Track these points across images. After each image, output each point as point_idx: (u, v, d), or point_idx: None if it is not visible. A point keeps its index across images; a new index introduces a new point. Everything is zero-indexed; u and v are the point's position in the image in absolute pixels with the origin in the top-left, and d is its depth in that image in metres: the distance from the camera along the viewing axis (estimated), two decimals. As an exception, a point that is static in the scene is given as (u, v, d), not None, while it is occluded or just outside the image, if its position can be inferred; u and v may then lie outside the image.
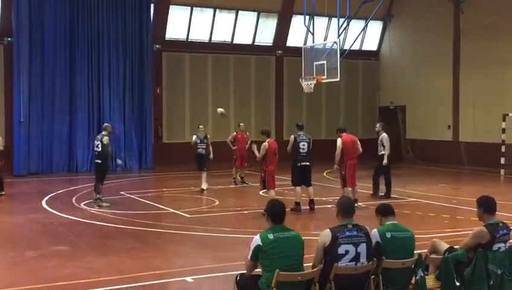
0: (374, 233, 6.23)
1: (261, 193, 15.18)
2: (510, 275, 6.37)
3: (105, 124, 15.40)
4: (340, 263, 5.90)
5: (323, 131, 27.17)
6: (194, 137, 17.41)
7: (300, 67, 19.43)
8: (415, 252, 6.43)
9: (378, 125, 16.50)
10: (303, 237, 6.07)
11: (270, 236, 5.83)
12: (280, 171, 14.51)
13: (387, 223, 6.43)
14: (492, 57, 23.28)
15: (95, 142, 14.73)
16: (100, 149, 14.40)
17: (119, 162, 14.68)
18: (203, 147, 17.14)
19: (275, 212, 6.06)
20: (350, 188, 14.01)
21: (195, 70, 25.43)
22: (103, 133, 14.63)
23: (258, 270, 6.02)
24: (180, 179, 19.72)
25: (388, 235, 6.26)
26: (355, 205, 13.37)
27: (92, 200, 14.83)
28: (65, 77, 22.34)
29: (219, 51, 25.75)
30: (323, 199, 14.89)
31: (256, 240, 5.87)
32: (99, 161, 14.59)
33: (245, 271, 6.17)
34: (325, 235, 6.01)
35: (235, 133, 19.42)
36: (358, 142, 14.29)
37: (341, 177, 14.17)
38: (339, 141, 14.02)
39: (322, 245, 6.01)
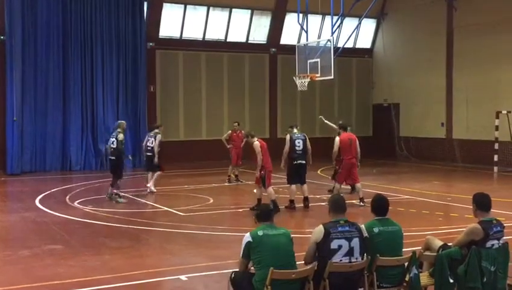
0: (361, 228, 6.28)
1: (255, 191, 15.18)
2: (503, 272, 6.39)
3: (120, 121, 15.76)
4: (334, 258, 5.94)
5: (317, 129, 27.15)
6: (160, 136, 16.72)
7: (294, 65, 19.43)
8: (409, 249, 6.45)
9: (340, 123, 16.45)
10: (298, 235, 6.11)
11: (260, 233, 6.01)
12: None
13: (376, 218, 6.49)
14: (485, 55, 23.35)
15: (110, 139, 15.17)
16: (115, 146, 14.83)
17: (130, 157, 14.98)
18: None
19: (261, 212, 6.29)
20: (340, 185, 14.30)
21: (189, 68, 25.39)
22: (118, 130, 15.05)
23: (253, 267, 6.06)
24: (173, 177, 19.69)
25: (376, 230, 6.32)
26: (362, 203, 13.56)
27: (106, 196, 15.05)
28: (58, 75, 22.27)
29: (213, 49, 25.72)
30: (318, 196, 14.90)
31: (247, 237, 6.03)
32: (113, 158, 14.95)
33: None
34: (318, 231, 6.08)
35: (230, 131, 19.44)
36: (357, 142, 14.36)
37: (334, 172, 14.31)
38: (337, 140, 14.15)
39: (314, 241, 6.09)
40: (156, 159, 16.29)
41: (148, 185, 16.44)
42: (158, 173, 16.54)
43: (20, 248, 10.07)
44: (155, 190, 16.34)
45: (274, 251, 5.90)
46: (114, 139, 14.94)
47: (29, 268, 8.83)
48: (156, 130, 16.81)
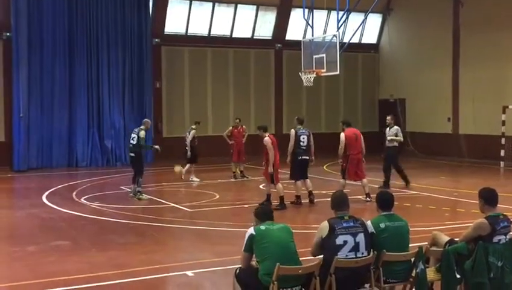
0: (368, 224, 6.29)
1: (261, 186, 15.19)
2: (510, 267, 6.37)
3: (145, 120, 15.98)
4: (340, 253, 5.96)
5: (323, 124, 27.16)
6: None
7: (300, 61, 19.39)
8: (415, 245, 6.45)
9: (389, 118, 16.65)
10: (304, 231, 6.12)
11: (262, 227, 6.12)
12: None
13: (382, 214, 6.49)
14: (492, 50, 23.24)
15: (132, 135, 15.21)
16: (135, 142, 14.88)
17: (156, 147, 15.58)
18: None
19: (264, 212, 6.40)
20: (347, 181, 14.24)
21: (194, 64, 25.38)
22: (141, 127, 15.13)
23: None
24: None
25: (382, 225, 6.33)
26: (368, 199, 13.52)
27: (130, 192, 15.06)
28: (64, 72, 22.29)
29: (218, 45, 25.70)
30: (323, 192, 14.88)
31: (250, 230, 6.13)
32: (133, 155, 15.02)
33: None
34: (323, 227, 6.13)
35: (231, 127, 19.39)
36: (362, 138, 14.31)
37: (341, 169, 14.26)
38: (342, 136, 14.04)
39: (319, 237, 6.13)
40: (188, 152, 17.92)
41: (191, 178, 17.88)
42: (188, 165, 17.94)
43: (27, 244, 10.12)
44: (197, 180, 17.89)
45: (277, 244, 5.96)
46: (135, 135, 14.93)
47: (36, 264, 8.87)
48: (192, 126, 18.31)
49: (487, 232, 6.29)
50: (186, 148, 18.05)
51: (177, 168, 17.30)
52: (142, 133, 14.84)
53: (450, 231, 9.19)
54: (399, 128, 16.48)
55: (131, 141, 15.09)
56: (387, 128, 16.43)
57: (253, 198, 14.52)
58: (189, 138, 18.02)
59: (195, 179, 17.96)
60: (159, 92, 24.65)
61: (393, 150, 16.32)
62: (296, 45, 20.79)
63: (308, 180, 13.91)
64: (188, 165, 17.96)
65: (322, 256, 6.06)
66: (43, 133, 22.02)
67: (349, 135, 14.08)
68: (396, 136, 16.22)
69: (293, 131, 13.86)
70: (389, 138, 16.20)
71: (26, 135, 21.45)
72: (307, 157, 13.79)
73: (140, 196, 14.73)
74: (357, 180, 14.50)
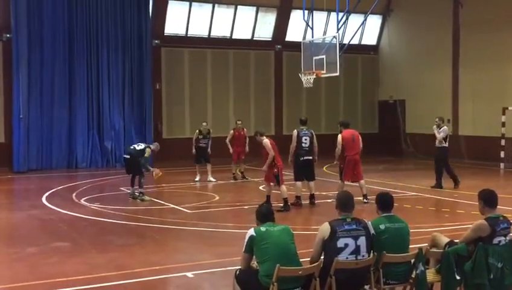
0: (368, 225, 6.27)
1: (261, 188, 15.15)
2: (510, 268, 6.37)
3: (155, 143, 16.36)
4: (340, 256, 5.94)
5: (323, 125, 27.13)
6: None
7: (300, 62, 19.40)
8: (415, 246, 6.45)
9: (438, 119, 16.66)
10: (304, 232, 6.11)
11: (263, 229, 6.10)
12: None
13: (382, 215, 6.48)
14: (491, 51, 23.24)
15: (139, 142, 15.58)
16: (138, 149, 14.91)
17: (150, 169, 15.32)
18: (205, 142, 18.51)
19: (263, 214, 6.34)
20: (346, 182, 14.12)
21: (194, 65, 25.40)
22: (151, 146, 15.33)
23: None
24: (179, 174, 19.72)
25: (382, 227, 6.32)
26: (366, 200, 13.50)
27: (130, 194, 15.05)
28: (64, 73, 22.30)
29: (218, 46, 25.72)
30: (324, 193, 14.88)
31: (250, 232, 6.11)
32: (128, 156, 15.01)
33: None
34: (324, 229, 6.08)
35: (232, 131, 19.26)
36: (360, 139, 14.28)
37: (339, 170, 14.27)
38: (339, 137, 14.04)
39: (321, 239, 6.09)
40: (193, 151, 18.47)
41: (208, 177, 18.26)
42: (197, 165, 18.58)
43: (27, 245, 10.12)
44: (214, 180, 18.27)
45: (277, 245, 5.94)
46: (143, 146, 15.02)
47: (36, 265, 8.87)
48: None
49: (487, 234, 6.30)
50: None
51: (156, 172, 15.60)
52: (148, 151, 14.91)
53: (450, 233, 9.19)
54: (446, 128, 16.52)
55: (135, 146, 15.08)
56: (437, 129, 16.46)
57: (253, 199, 14.51)
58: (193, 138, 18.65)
59: (196, 178, 18.26)
60: (159, 93, 24.66)
61: (443, 151, 16.42)
62: (296, 46, 20.80)
63: (312, 183, 13.86)
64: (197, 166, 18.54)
65: (322, 257, 6.06)
66: (43, 134, 22.02)
67: (346, 136, 14.06)
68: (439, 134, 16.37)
69: (295, 132, 13.87)
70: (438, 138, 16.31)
71: (26, 136, 21.46)
72: (310, 158, 13.79)
73: (143, 197, 14.72)
74: (355, 182, 14.47)
